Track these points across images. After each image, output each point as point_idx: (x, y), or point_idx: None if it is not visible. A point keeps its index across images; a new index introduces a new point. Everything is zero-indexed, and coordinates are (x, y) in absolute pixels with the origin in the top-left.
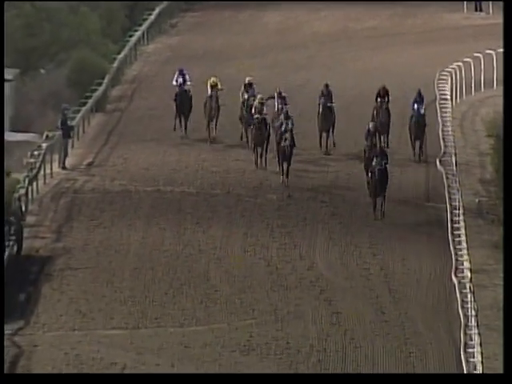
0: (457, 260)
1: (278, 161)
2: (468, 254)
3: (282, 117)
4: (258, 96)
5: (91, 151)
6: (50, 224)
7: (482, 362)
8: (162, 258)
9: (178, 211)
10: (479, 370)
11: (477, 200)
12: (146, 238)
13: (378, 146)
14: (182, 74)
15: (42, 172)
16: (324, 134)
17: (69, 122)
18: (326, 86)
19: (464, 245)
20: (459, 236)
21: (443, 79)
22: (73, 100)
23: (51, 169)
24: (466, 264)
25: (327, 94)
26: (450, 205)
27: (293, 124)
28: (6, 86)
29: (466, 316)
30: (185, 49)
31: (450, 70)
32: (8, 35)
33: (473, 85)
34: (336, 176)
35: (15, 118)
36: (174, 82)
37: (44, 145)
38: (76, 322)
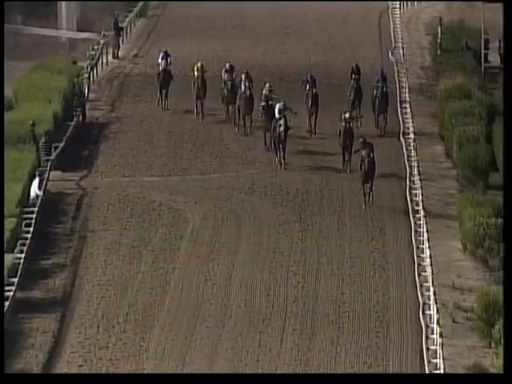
0: (404, 125)
1: (274, 145)
2: (412, 121)
3: (277, 106)
4: (267, 85)
5: (136, 46)
6: (106, 99)
7: (422, 201)
8: (188, 124)
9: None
10: (421, 206)
11: (419, 82)
12: (176, 110)
13: (364, 139)
14: (166, 54)
15: (100, 61)
16: (312, 117)
17: (120, 25)
18: (311, 75)
19: (409, 114)
20: (406, 108)
21: None
22: (123, 8)
23: (107, 59)
24: (411, 129)
25: (312, 82)
26: (399, 85)
27: (286, 109)
28: None
29: (410, 166)
30: None
31: None
32: None
33: None
34: (315, 63)
35: (80, 22)
36: (160, 61)
37: (102, 41)
38: (125, 171)
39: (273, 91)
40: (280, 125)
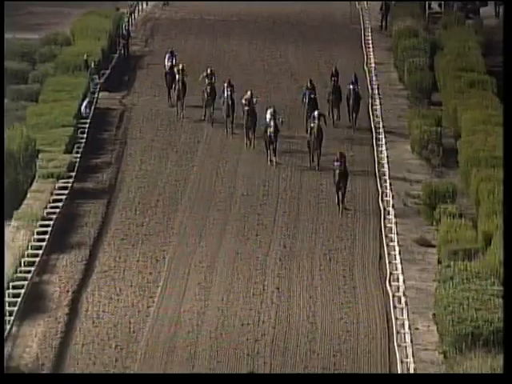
0: (367, 57)
1: (266, 146)
2: (373, 53)
3: (268, 111)
4: (248, 92)
5: None
6: (141, 37)
7: (381, 116)
8: (203, 57)
9: (212, 30)
10: (380, 119)
11: (379, 24)
12: (196, 44)
13: (341, 152)
14: (171, 55)
15: (137, 8)
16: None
17: None
18: (310, 81)
19: (371, 48)
20: (368, 44)
21: None
22: None
23: (141, 7)
24: (372, 60)
25: (311, 88)
26: (364, 26)
27: (276, 113)
28: None
29: (371, 88)
30: None
31: None
32: None
33: None
34: (299, 10)
35: None
36: (166, 62)
37: None
38: (156, 92)
39: (254, 95)
40: (271, 127)
